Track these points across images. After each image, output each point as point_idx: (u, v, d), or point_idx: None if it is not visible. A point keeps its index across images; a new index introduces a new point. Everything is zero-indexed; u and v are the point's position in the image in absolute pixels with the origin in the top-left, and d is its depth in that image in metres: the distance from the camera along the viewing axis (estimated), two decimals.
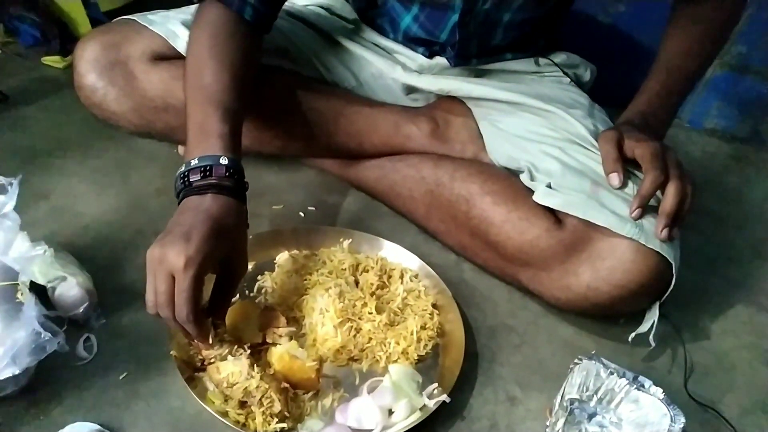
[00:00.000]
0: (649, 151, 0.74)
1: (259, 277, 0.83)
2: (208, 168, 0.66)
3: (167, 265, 0.59)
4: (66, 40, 1.29)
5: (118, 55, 0.87)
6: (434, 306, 0.80)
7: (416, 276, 0.85)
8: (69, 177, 0.99)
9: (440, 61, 0.97)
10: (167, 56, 0.88)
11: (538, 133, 0.89)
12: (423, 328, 0.77)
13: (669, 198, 0.72)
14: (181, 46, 0.85)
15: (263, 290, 0.82)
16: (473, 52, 0.96)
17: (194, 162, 0.66)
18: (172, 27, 0.88)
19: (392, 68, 0.99)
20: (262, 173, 1.04)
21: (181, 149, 1.00)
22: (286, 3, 0.89)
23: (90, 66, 0.87)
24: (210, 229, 0.62)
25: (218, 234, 0.62)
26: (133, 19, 0.90)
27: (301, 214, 0.97)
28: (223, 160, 0.66)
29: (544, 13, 0.95)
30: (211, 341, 0.65)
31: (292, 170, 1.06)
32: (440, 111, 0.99)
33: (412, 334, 0.75)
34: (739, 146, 1.37)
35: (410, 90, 1.01)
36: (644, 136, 0.77)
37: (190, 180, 0.66)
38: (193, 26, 0.80)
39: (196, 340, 0.66)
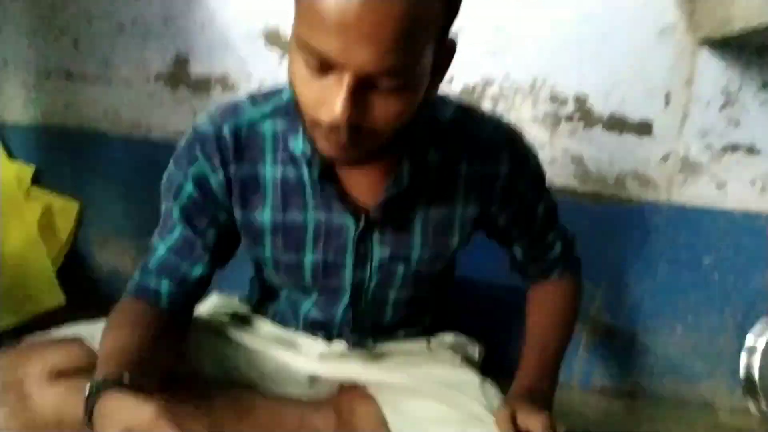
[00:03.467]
0: (540, 424, 0.78)
1: None
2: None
3: None
4: None
5: (15, 375, 0.86)
6: None
7: None
8: None
9: (339, 346, 1.01)
10: (68, 372, 0.87)
11: (440, 414, 0.93)
12: None
13: None
14: (96, 345, 0.86)
15: None
16: (368, 330, 1.01)
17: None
18: (87, 330, 0.90)
19: (294, 359, 1.02)
20: None
21: None
22: None
23: None
24: None
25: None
26: (38, 338, 0.91)
27: None
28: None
29: (425, 293, 1.02)
30: None
31: None
32: (345, 400, 1.01)
33: None
34: (630, 401, 1.46)
35: (313, 381, 1.03)
36: (534, 408, 0.82)
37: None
38: (110, 316, 0.85)
39: None
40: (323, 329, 1.02)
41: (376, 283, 0.94)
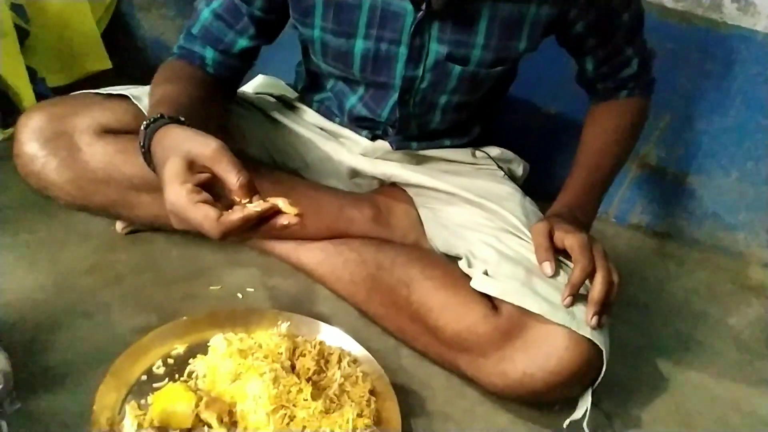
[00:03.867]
0: (577, 242, 0.77)
1: (190, 361, 0.79)
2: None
3: (174, 214, 0.63)
4: (6, 113, 1.16)
5: (64, 126, 0.85)
6: (371, 393, 0.80)
7: (354, 361, 0.83)
8: None
9: (383, 144, 0.99)
10: (115, 130, 0.87)
11: (476, 222, 0.92)
12: (359, 415, 0.76)
13: (597, 286, 0.76)
14: (144, 106, 0.85)
15: (194, 374, 0.78)
16: (413, 133, 0.97)
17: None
18: (134, 92, 0.88)
19: (338, 151, 1.01)
20: (200, 252, 1.00)
21: (118, 226, 0.99)
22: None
23: (33, 135, 0.85)
24: (162, 164, 0.64)
25: (169, 158, 0.64)
26: (86, 93, 0.89)
27: (239, 295, 0.95)
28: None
29: (477, 99, 0.96)
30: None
31: (232, 250, 1.03)
32: (383, 198, 1.01)
33: (347, 422, 0.74)
34: (662, 242, 1.42)
35: (354, 174, 1.02)
36: (573, 228, 0.80)
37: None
38: (158, 72, 0.85)
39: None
40: (367, 128, 1.00)
41: (429, 83, 0.89)
